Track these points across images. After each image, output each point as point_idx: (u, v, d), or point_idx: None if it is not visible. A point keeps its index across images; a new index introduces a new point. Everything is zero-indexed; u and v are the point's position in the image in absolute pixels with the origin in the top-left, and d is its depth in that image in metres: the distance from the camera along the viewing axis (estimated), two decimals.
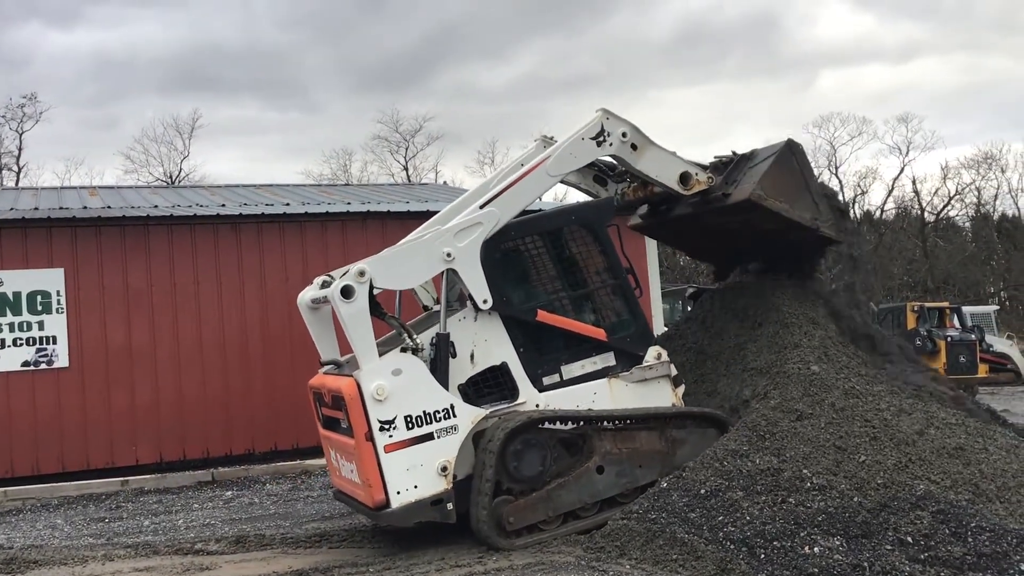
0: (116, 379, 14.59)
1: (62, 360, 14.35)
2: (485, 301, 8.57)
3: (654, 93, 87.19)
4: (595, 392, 8.88)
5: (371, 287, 8.18)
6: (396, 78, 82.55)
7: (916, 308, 26.41)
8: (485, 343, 8.62)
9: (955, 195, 57.88)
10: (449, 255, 8.49)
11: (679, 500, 7.98)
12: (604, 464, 8.59)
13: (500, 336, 8.66)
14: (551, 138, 10.21)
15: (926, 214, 57.98)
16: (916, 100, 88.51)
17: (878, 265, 50.97)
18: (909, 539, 7.41)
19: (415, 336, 8.40)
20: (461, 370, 8.53)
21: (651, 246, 18.06)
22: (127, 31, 78.10)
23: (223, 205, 17.68)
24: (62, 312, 14.44)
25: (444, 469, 8.12)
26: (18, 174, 49.74)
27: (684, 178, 9.85)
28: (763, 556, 7.30)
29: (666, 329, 13.90)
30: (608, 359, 9.03)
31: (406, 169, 58.93)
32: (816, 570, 7.11)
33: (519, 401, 8.58)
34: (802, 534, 7.45)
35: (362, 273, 8.12)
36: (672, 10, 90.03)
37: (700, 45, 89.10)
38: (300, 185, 27.65)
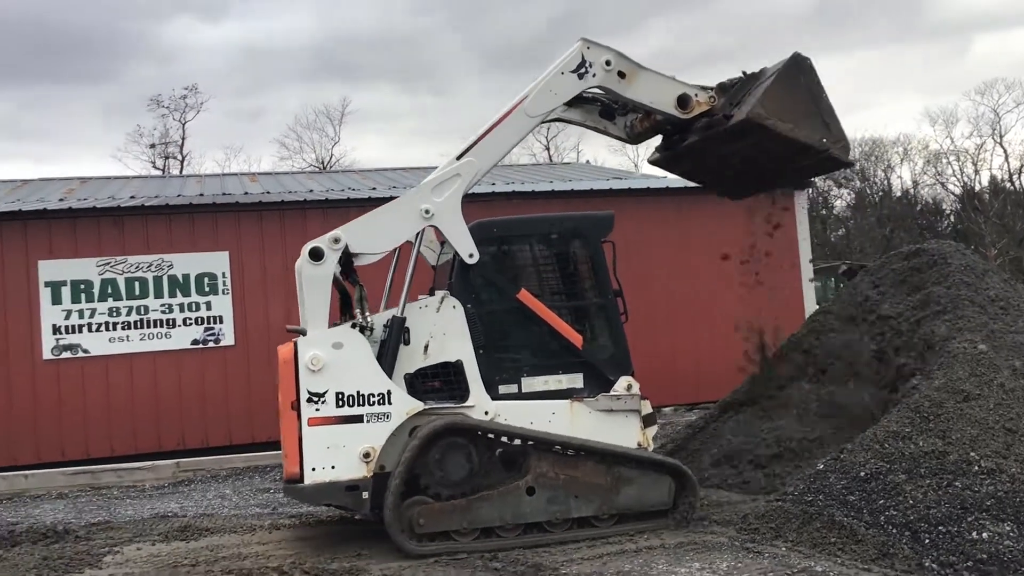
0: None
1: (228, 339, 15.14)
2: (471, 255, 8.25)
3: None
4: (554, 412, 8.23)
5: (347, 254, 8.08)
6: (526, 59, 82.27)
7: None
8: (443, 336, 8.19)
9: None
10: (427, 212, 8.23)
11: (837, 482, 7.79)
12: (536, 486, 8.01)
13: (460, 332, 8.21)
14: None
15: None
16: None
17: None
18: None
19: (368, 314, 8.16)
20: (411, 359, 8.15)
21: (803, 225, 17.59)
22: (269, 23, 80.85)
23: (374, 188, 18.20)
24: (227, 293, 15.21)
25: (367, 456, 7.76)
26: (182, 162, 52.38)
27: (683, 101, 8.99)
28: (927, 541, 7.07)
29: (817, 307, 13.55)
30: (576, 380, 8.38)
31: (547, 149, 59.03)
32: (985, 556, 6.85)
33: (467, 404, 8.08)
34: (969, 519, 7.16)
35: (336, 240, 8.01)
36: None
37: (841, 13, 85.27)
38: None
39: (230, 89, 76.52)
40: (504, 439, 8.21)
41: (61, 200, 16.59)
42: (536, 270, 8.76)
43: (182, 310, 15.06)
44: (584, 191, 17.28)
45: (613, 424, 8.31)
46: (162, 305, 15.01)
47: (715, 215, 16.90)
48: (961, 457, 7.67)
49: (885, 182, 55.19)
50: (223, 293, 15.20)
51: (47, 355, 14.59)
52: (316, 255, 7.98)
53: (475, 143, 8.49)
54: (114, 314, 14.84)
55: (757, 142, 8.94)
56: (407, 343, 8.15)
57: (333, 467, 7.75)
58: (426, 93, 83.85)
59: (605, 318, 8.64)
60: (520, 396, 8.31)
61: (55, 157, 74.17)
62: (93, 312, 14.77)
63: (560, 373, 8.39)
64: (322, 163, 54.71)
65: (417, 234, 8.46)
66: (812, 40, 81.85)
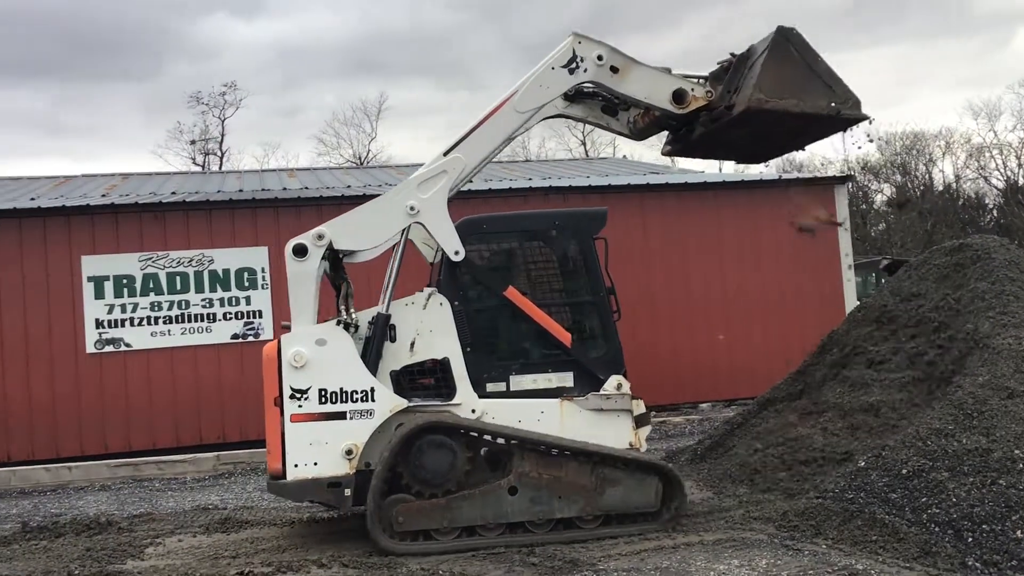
0: None
1: (267, 333, 15.22)
2: (456, 252, 8.14)
3: (825, 58, 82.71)
4: (543, 411, 8.08)
5: (332, 250, 8.06)
6: None
7: None
8: (430, 334, 8.12)
9: None
10: (413, 208, 8.15)
11: (878, 480, 7.72)
12: (519, 486, 7.87)
13: (447, 330, 8.13)
14: None
15: None
16: None
17: None
18: None
19: (353, 311, 8.13)
20: (396, 356, 8.10)
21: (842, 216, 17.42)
22: (302, 21, 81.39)
23: None
24: (267, 288, 15.34)
25: (349, 452, 7.74)
26: (221, 158, 52.88)
27: (679, 96, 8.71)
28: (971, 540, 6.97)
29: (858, 303, 13.39)
30: (566, 379, 8.23)
31: (584, 144, 58.90)
32: None
33: (454, 402, 8.01)
34: (1014, 518, 7.04)
35: (320, 236, 7.99)
36: None
37: (880, 5, 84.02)
38: None
39: (266, 86, 77.24)
40: (488, 438, 8.11)
41: (104, 196, 16.84)
42: (525, 267, 8.62)
43: (222, 305, 15.21)
44: (621, 186, 17.21)
45: (604, 424, 8.15)
46: (203, 300, 15.18)
47: (753, 208, 16.81)
48: (1005, 455, 7.54)
49: (927, 176, 54.45)
50: (262, 288, 15.34)
51: (90, 349, 14.82)
52: (299, 251, 7.99)
53: (463, 139, 8.40)
54: (156, 308, 15.03)
55: (764, 123, 8.76)
56: (393, 340, 8.10)
57: (316, 464, 7.76)
58: (461, 88, 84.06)
59: (596, 316, 8.46)
60: (508, 394, 8.19)
61: (96, 154, 75.29)
62: (135, 306, 14.97)
63: (550, 371, 8.26)
64: (359, 159, 55.07)
65: (403, 231, 8.37)
66: (851, 33, 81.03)
